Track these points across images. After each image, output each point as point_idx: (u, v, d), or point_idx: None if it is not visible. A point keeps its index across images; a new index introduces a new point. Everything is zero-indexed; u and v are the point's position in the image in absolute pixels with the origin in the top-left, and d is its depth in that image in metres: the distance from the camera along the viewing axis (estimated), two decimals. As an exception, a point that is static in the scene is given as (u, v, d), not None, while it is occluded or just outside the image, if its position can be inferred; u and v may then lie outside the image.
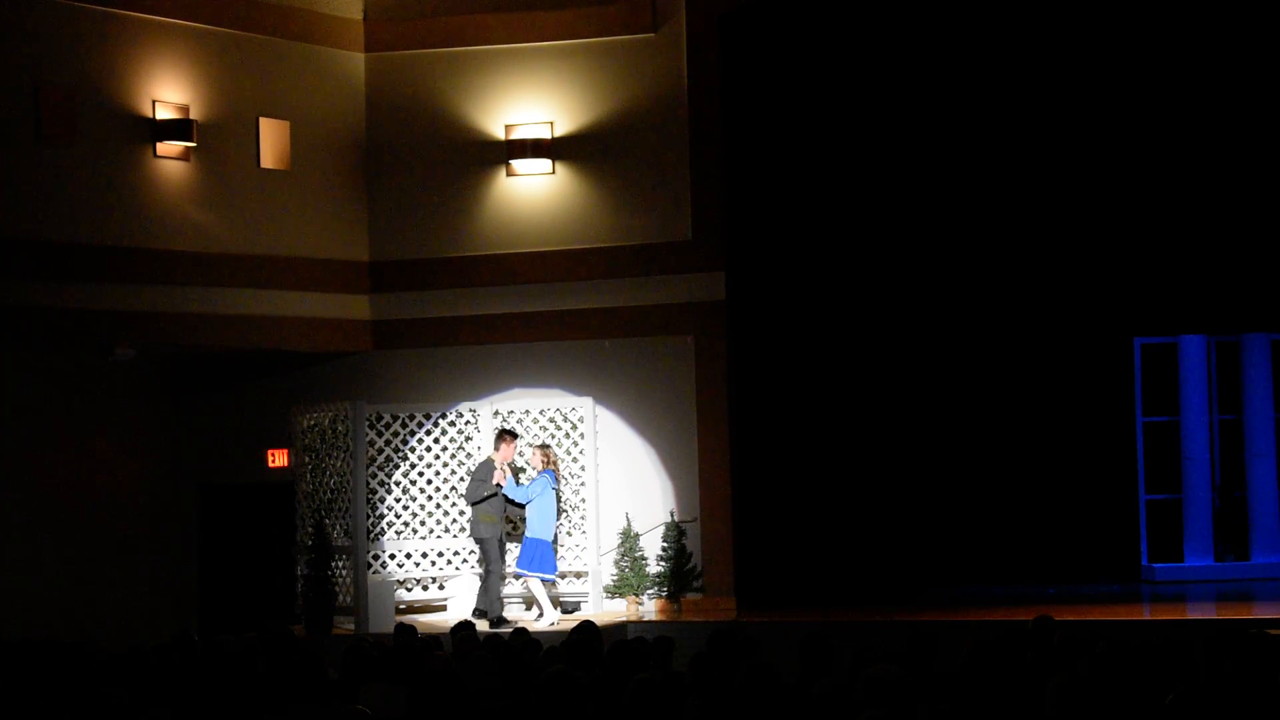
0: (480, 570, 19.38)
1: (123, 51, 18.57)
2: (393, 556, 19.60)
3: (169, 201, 18.92)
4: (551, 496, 18.71)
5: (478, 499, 18.83)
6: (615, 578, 19.67)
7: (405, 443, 19.80)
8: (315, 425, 19.31)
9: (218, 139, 19.27)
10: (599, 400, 20.01)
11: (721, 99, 20.07)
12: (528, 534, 18.66)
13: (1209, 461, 21.94)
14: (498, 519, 18.83)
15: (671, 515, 19.73)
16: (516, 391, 20.32)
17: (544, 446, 19.06)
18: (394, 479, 19.73)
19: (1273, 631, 11.46)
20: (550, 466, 18.74)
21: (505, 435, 19.07)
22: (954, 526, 21.36)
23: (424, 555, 19.78)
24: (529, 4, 20.36)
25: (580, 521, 19.84)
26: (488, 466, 18.93)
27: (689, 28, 20.07)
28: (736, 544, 19.86)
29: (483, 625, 17.30)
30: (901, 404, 21.31)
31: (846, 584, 20.52)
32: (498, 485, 18.67)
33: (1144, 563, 21.84)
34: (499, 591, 18.88)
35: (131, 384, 20.62)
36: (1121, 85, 20.18)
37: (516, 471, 18.97)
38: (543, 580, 18.61)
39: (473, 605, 19.12)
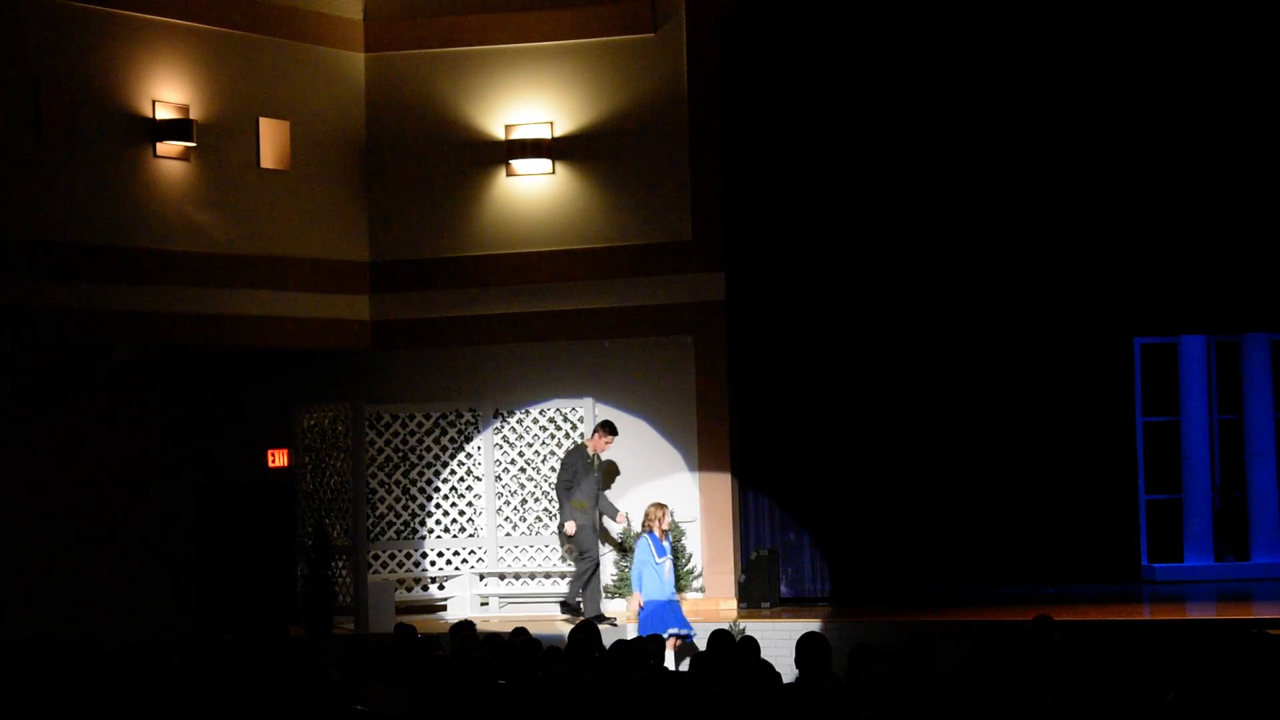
0: (574, 562, 18.92)
1: (123, 51, 18.57)
2: (393, 556, 19.61)
3: (169, 201, 18.92)
4: (650, 558, 17.95)
5: (568, 489, 18.59)
6: (616, 578, 19.66)
7: (405, 443, 19.80)
8: (315, 425, 19.32)
9: (218, 139, 19.27)
10: (599, 400, 20.00)
11: (721, 99, 20.08)
12: (650, 597, 17.77)
13: (1209, 461, 21.94)
14: (590, 504, 18.63)
15: (671, 515, 19.71)
16: (517, 391, 20.30)
17: (658, 505, 18.39)
18: (394, 479, 19.73)
19: (1273, 631, 11.46)
20: (651, 527, 18.08)
21: (602, 426, 18.92)
22: (954, 526, 21.34)
23: (424, 555, 19.79)
24: (529, 4, 20.37)
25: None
26: (580, 454, 18.76)
27: (689, 28, 20.08)
28: (737, 544, 19.86)
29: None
30: (902, 404, 21.29)
31: (847, 584, 20.54)
32: (627, 530, 18.47)
33: (1144, 563, 21.83)
34: (599, 585, 18.63)
35: (131, 384, 20.62)
36: (1121, 85, 20.16)
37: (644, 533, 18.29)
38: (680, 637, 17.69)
39: (564, 599, 18.86)
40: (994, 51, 20.28)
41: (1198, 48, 19.96)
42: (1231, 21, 19.89)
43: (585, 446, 18.83)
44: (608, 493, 19.28)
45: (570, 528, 18.55)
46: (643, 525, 18.24)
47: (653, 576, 17.78)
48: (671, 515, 18.32)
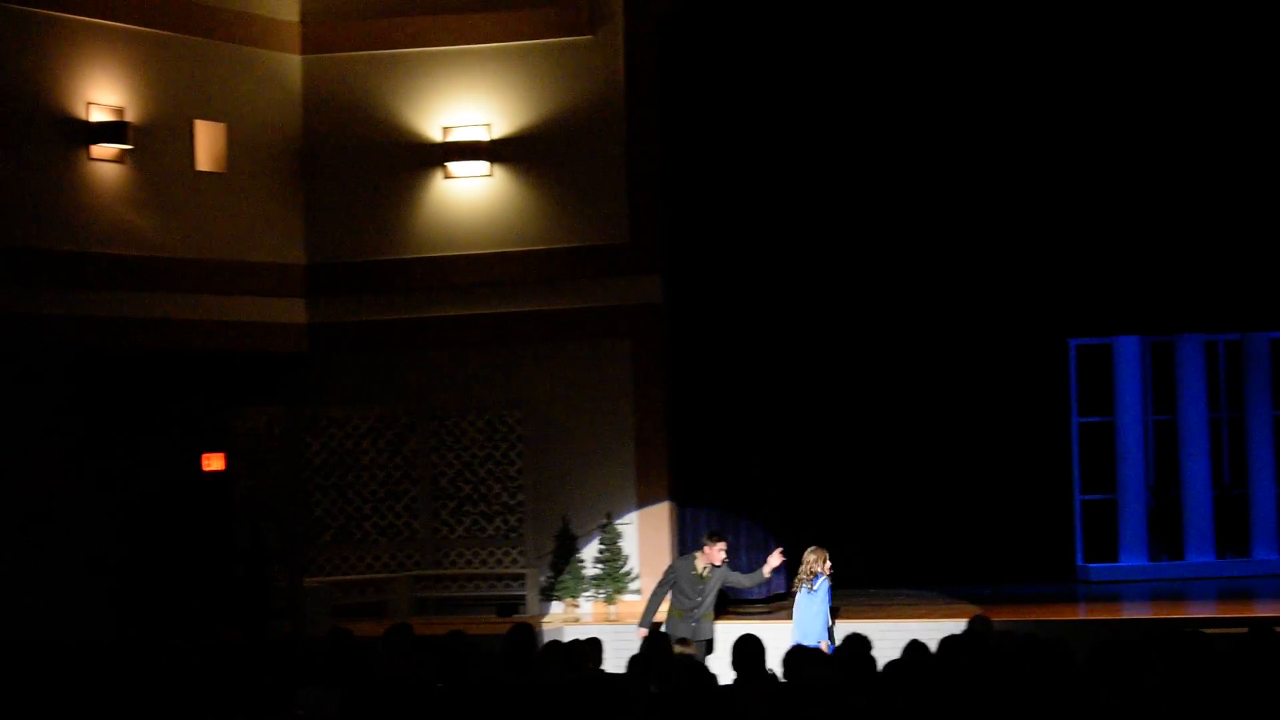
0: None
1: (56, 54, 18.45)
2: (330, 559, 19.54)
3: (104, 205, 18.80)
4: (805, 602, 16.34)
5: (655, 595, 16.68)
6: (552, 580, 19.64)
7: (342, 446, 19.74)
8: (251, 429, 19.24)
9: (153, 141, 19.17)
10: (536, 403, 19.98)
11: (659, 101, 20.08)
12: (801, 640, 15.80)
13: (1143, 461, 22.04)
14: (684, 612, 16.37)
15: (608, 518, 19.72)
16: (454, 394, 20.26)
17: (813, 549, 16.62)
18: (330, 482, 19.67)
19: (1207, 630, 11.55)
20: (817, 571, 16.34)
21: (708, 537, 16.72)
22: (891, 527, 21.42)
23: (361, 558, 19.73)
24: (466, 6, 20.33)
25: (517, 524, 19.83)
26: (684, 564, 16.59)
27: (627, 30, 20.07)
28: (674, 546, 19.86)
29: None
30: (839, 406, 21.36)
31: (783, 585, 20.57)
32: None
33: (1079, 562, 21.94)
34: None
35: (65, 387, 20.45)
36: (1055, 88, 20.22)
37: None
38: None
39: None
40: (929, 55, 20.30)
41: (1142, 54, 20.00)
42: (1179, 27, 19.93)
43: (694, 557, 16.54)
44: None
45: (640, 633, 15.60)
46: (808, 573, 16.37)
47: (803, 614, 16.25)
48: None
